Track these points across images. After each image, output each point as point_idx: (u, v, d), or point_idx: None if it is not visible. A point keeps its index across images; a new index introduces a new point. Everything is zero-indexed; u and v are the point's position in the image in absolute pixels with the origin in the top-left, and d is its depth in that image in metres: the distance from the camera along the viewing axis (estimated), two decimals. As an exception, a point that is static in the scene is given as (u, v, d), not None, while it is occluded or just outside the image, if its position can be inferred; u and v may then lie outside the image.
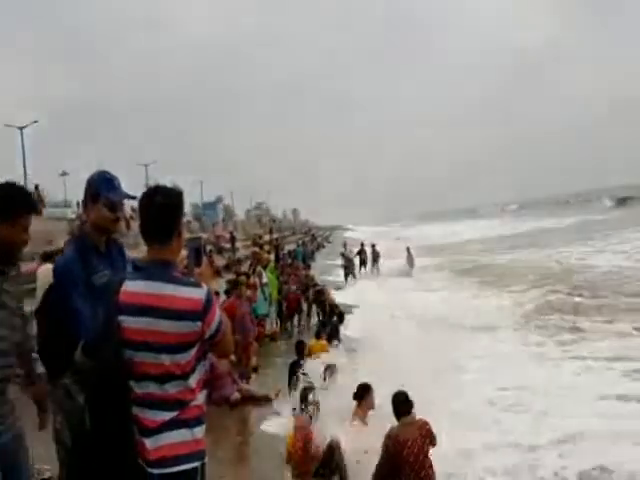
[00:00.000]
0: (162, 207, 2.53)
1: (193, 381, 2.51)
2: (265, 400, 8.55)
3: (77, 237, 3.09)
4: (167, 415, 2.48)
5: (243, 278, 14.39)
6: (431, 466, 5.05)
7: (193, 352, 2.49)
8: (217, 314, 2.53)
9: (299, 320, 16.73)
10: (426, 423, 5.21)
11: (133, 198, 3.10)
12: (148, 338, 2.46)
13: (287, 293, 16.62)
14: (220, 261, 27.58)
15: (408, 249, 30.17)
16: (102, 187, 3.05)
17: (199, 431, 2.53)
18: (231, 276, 19.05)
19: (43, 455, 4.91)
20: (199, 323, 2.46)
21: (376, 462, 5.27)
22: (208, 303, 2.48)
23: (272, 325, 15.53)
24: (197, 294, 2.48)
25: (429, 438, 5.11)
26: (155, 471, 2.46)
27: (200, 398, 2.54)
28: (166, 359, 2.46)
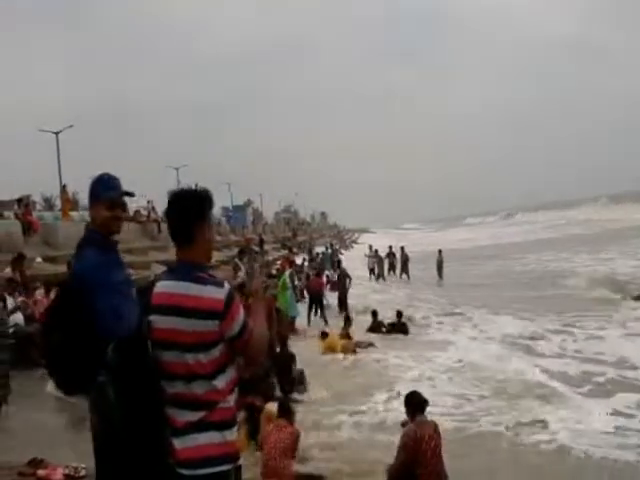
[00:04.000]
0: (183, 210, 2.57)
1: (220, 382, 2.48)
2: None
3: (91, 238, 3.12)
4: (194, 416, 2.46)
5: (273, 280, 14.56)
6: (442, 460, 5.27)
7: (217, 352, 2.48)
8: (239, 316, 2.50)
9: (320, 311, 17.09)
10: (436, 423, 5.44)
11: (131, 195, 3.24)
12: (173, 337, 2.48)
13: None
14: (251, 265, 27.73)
15: (440, 252, 29.87)
16: (100, 187, 3.11)
17: (230, 433, 2.49)
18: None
19: (79, 454, 5.07)
20: (218, 322, 2.45)
21: None
22: (229, 303, 2.47)
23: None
24: (218, 294, 2.48)
25: (440, 435, 5.32)
26: (184, 472, 2.45)
27: (230, 400, 2.52)
28: (190, 358, 2.47)
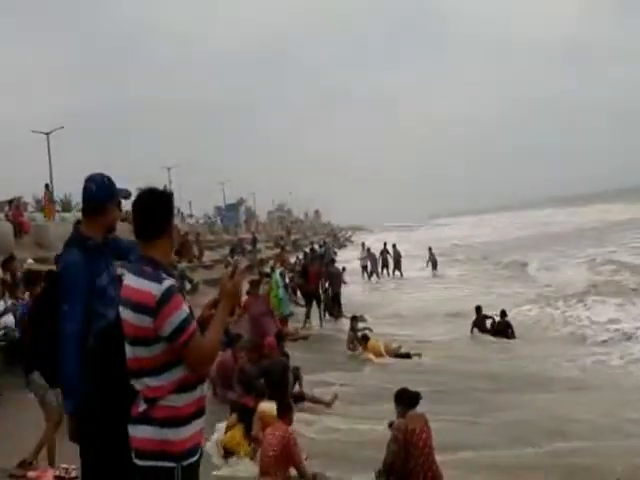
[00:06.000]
0: (144, 209, 2.63)
1: (159, 381, 2.49)
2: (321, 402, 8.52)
3: (78, 239, 3.11)
4: (141, 407, 2.53)
5: (264, 278, 14.45)
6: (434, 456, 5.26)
7: (158, 350, 2.48)
8: (175, 316, 2.45)
9: (319, 308, 16.64)
10: (426, 417, 5.39)
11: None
12: (125, 329, 2.56)
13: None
14: (243, 262, 27.75)
15: (430, 249, 30.10)
16: (115, 189, 3.18)
17: (172, 432, 2.49)
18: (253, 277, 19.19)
19: (69, 456, 5.05)
20: (151, 319, 2.45)
21: None
22: (163, 300, 2.44)
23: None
24: (152, 289, 2.47)
25: (430, 429, 5.29)
26: (134, 458, 2.55)
27: (175, 400, 2.50)
28: (130, 352, 2.54)
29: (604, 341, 13.10)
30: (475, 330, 14.50)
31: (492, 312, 14.88)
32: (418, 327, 16.09)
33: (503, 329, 14.18)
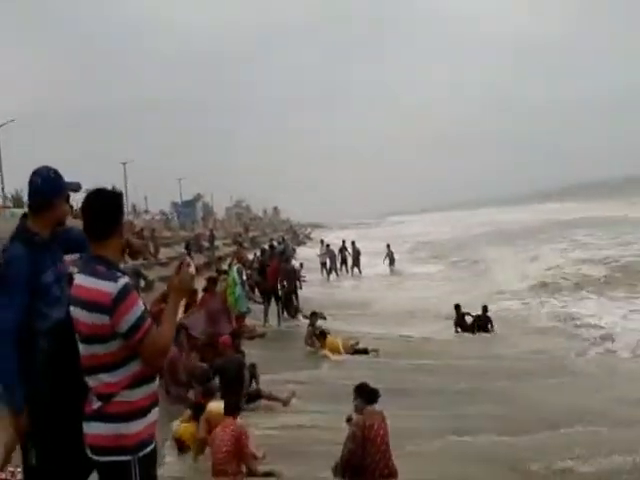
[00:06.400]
0: (93, 209, 2.67)
1: (115, 377, 2.54)
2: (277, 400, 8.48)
3: (24, 234, 3.02)
4: (95, 404, 2.57)
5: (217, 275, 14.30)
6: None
7: (114, 347, 2.53)
8: (130, 314, 2.51)
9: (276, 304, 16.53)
10: (384, 414, 5.40)
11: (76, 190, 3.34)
12: (77, 327, 2.60)
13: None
14: (200, 259, 27.46)
15: (388, 246, 30.41)
16: (62, 182, 3.10)
17: (126, 427, 2.54)
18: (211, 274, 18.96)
19: (17, 458, 4.89)
20: (107, 317, 2.50)
21: None
22: (119, 298, 2.50)
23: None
24: (107, 288, 2.51)
25: (387, 425, 5.32)
26: (90, 455, 2.59)
27: (129, 395, 2.56)
28: (84, 350, 2.58)
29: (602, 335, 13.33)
30: (458, 329, 14.79)
31: (468, 309, 15.18)
32: (388, 325, 16.19)
33: (484, 325, 14.51)
